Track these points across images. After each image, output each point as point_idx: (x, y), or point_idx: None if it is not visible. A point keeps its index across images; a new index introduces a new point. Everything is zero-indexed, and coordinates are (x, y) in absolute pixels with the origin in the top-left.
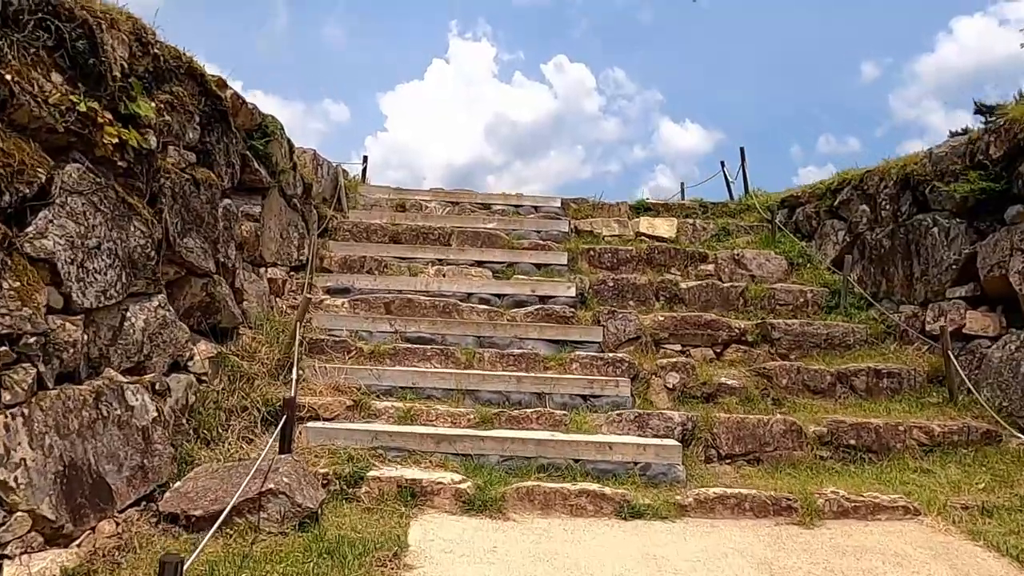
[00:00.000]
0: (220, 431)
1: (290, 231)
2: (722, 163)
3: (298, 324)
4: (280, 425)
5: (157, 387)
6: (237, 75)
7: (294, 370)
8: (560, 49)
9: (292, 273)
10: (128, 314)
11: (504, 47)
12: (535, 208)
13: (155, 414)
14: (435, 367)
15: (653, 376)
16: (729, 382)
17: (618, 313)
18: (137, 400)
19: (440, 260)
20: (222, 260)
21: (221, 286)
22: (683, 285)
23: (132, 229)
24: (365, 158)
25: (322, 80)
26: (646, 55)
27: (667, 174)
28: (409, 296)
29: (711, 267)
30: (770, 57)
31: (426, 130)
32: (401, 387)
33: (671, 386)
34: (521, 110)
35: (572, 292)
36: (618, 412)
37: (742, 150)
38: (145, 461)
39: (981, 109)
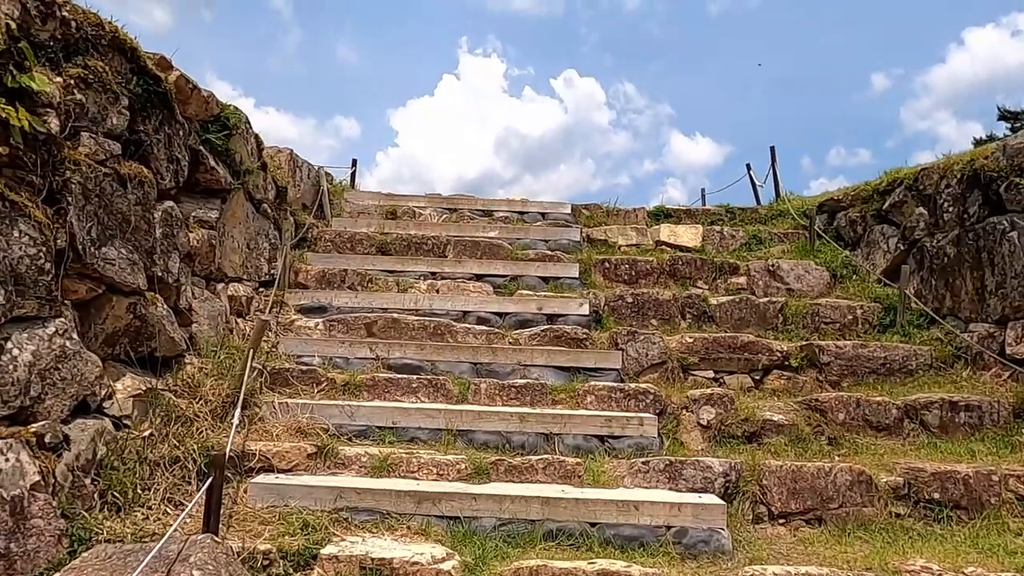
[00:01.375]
0: (139, 492)
1: (259, 241)
2: (748, 165)
3: (251, 352)
4: (204, 489)
5: (48, 439)
6: (251, 93)
7: (236, 412)
8: (570, 64)
9: (261, 289)
10: (8, 345)
11: (514, 62)
12: (542, 215)
13: (37, 478)
14: (421, 402)
15: (683, 410)
16: (775, 418)
17: (639, 334)
18: (7, 461)
19: (434, 273)
20: (159, 274)
21: (156, 306)
22: (712, 301)
23: (17, 235)
24: (354, 161)
25: (333, 96)
26: (656, 69)
27: (678, 187)
28: (395, 315)
29: (743, 280)
30: (780, 69)
31: (436, 144)
32: (379, 427)
33: (705, 423)
34: (531, 124)
35: (585, 309)
36: (644, 460)
37: (772, 149)
38: (12, 545)
39: (1005, 115)
